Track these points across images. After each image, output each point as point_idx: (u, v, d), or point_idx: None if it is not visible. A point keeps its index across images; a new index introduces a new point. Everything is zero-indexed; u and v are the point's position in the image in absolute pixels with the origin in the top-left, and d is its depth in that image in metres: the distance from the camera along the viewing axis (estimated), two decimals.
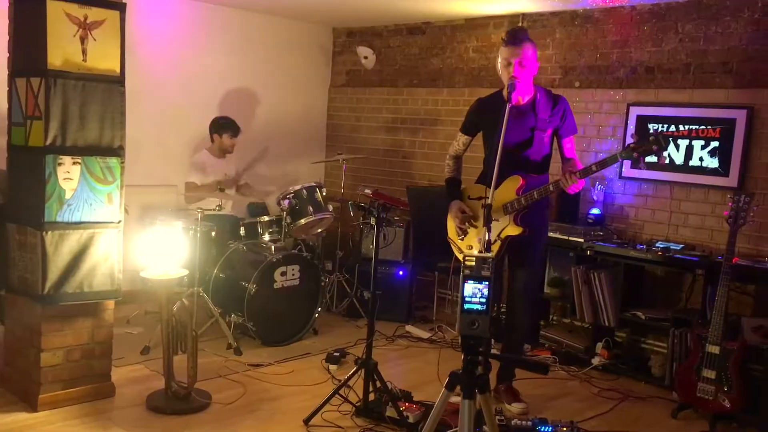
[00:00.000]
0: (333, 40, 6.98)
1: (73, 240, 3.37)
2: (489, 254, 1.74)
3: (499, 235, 3.53)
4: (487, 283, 1.65)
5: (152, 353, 4.31)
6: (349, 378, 3.59)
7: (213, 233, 4.83)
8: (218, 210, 4.89)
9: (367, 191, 3.50)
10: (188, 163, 5.39)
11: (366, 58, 6.52)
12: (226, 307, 4.69)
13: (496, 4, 5.21)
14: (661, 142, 3.04)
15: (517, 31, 3.48)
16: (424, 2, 5.30)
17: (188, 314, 3.58)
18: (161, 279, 3.47)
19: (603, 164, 3.27)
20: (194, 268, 4.49)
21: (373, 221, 3.47)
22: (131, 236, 4.07)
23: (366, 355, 3.53)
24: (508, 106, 3.35)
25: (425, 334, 5.14)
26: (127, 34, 3.45)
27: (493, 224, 3.57)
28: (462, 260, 1.83)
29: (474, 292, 1.67)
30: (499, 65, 3.56)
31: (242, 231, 4.99)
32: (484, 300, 1.66)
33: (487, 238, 3.00)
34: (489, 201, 3.29)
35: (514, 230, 3.46)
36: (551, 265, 5.01)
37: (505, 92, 3.61)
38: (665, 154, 3.13)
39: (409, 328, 5.27)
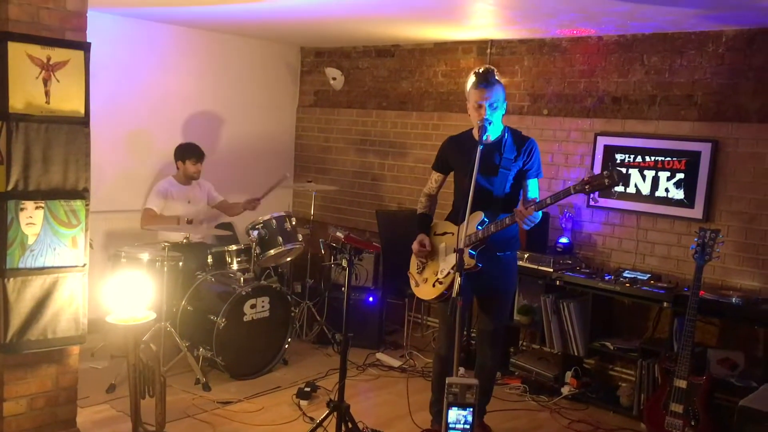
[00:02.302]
0: (301, 60, 6.93)
1: (36, 286, 3.27)
2: (473, 381, 1.72)
3: (452, 268, 3.54)
4: (470, 409, 1.64)
5: (118, 390, 4.23)
6: (322, 422, 3.55)
7: (180, 263, 4.74)
8: (185, 242, 4.80)
9: (339, 234, 3.47)
10: (151, 189, 5.28)
11: (334, 79, 6.49)
12: (194, 340, 4.62)
13: (465, 31, 5.23)
14: (615, 177, 3.04)
15: (487, 73, 3.48)
16: (393, 27, 5.29)
17: (155, 358, 3.50)
18: (127, 324, 3.39)
19: (557, 197, 3.29)
20: (161, 301, 4.41)
21: (344, 263, 3.43)
22: (94, 265, 3.96)
23: (338, 398, 3.50)
24: (479, 148, 3.36)
25: (396, 362, 5.13)
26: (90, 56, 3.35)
27: (449, 256, 3.60)
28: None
29: (458, 418, 1.66)
30: (469, 106, 3.57)
31: (210, 260, 4.92)
32: (468, 427, 1.65)
33: (459, 282, 3.02)
34: (459, 244, 3.32)
35: (469, 262, 3.47)
36: (521, 293, 5.03)
37: (475, 132, 3.62)
38: (616, 189, 3.11)
39: (379, 355, 5.25)
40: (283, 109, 6.87)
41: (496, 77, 3.54)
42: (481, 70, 3.53)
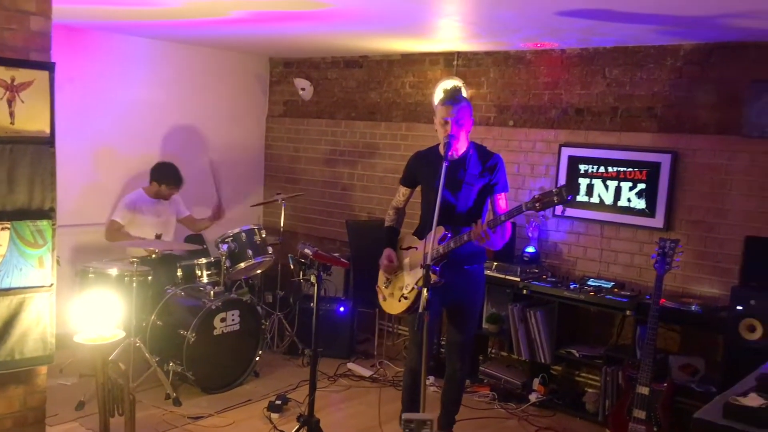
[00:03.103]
0: (270, 70, 6.95)
1: (2, 307, 3.26)
2: (428, 416, 1.77)
3: (416, 283, 3.60)
4: None
5: (87, 408, 4.21)
6: None
7: (149, 277, 4.73)
8: (154, 256, 4.78)
9: (307, 251, 3.50)
10: (119, 200, 5.26)
11: (303, 89, 6.52)
12: (164, 355, 4.61)
13: (432, 43, 5.29)
14: (563, 195, 3.12)
15: (454, 91, 3.55)
16: (361, 39, 5.34)
17: (124, 376, 3.50)
18: (95, 344, 3.39)
19: (510, 215, 3.36)
20: (130, 317, 4.40)
21: (313, 279, 3.47)
22: (62, 280, 3.93)
23: (308, 412, 3.53)
24: (445, 164, 3.42)
25: (367, 372, 5.17)
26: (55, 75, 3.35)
27: (414, 271, 3.65)
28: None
29: None
30: (436, 122, 3.63)
31: (180, 273, 4.92)
32: None
33: (426, 297, 3.09)
34: (427, 261, 3.37)
35: (430, 277, 3.52)
36: (489, 302, 5.11)
37: (441, 148, 3.68)
38: (562, 208, 3.18)
39: (350, 365, 5.29)
40: (253, 120, 6.89)
41: (462, 96, 3.62)
42: (448, 87, 3.59)
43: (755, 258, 3.88)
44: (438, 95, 3.60)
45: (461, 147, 3.66)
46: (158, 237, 4.80)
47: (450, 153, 3.55)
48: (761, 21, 3.63)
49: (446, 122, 3.54)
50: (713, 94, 4.40)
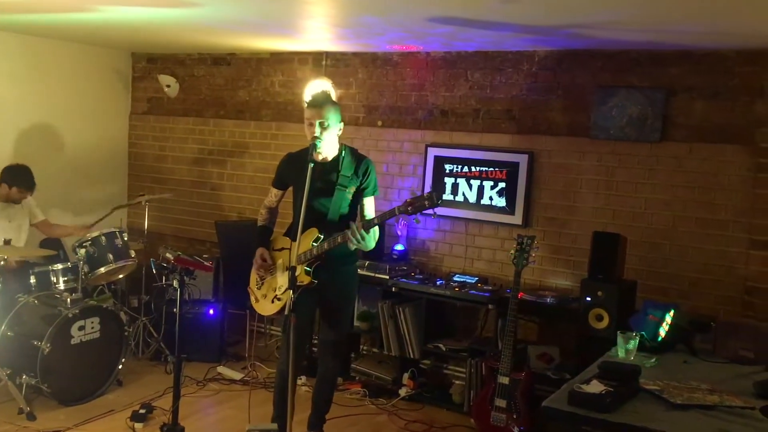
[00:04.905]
0: (132, 65, 6.67)
1: None
2: (272, 426, 1.77)
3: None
4: None
5: None
6: None
7: None
8: (4, 263, 4.47)
9: (169, 255, 3.40)
10: None
11: (168, 86, 6.31)
12: (16, 367, 4.32)
13: (300, 43, 5.28)
14: (434, 199, 3.25)
15: (319, 94, 3.58)
16: (228, 36, 5.24)
17: None
18: None
19: (382, 217, 3.46)
20: None
21: (175, 283, 3.38)
22: None
23: (172, 421, 3.43)
24: (310, 165, 3.43)
25: (237, 375, 5.10)
26: None
27: (287, 273, 3.65)
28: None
29: None
30: (304, 124, 3.64)
31: (33, 281, 4.62)
32: None
33: (292, 298, 3.11)
34: (292, 262, 3.38)
35: (304, 279, 3.55)
36: (361, 300, 5.18)
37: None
38: (434, 211, 3.32)
39: (221, 369, 5.19)
40: (115, 118, 6.59)
41: (330, 97, 3.65)
42: (315, 89, 3.61)
43: (602, 252, 4.15)
44: (307, 96, 3.61)
45: (331, 149, 3.68)
46: (7, 243, 4.49)
47: (317, 155, 3.58)
48: (605, 31, 3.90)
49: (312, 124, 3.57)
50: (564, 99, 4.69)
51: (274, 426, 1.66)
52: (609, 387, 2.52)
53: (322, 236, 3.55)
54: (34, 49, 5.77)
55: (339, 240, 3.47)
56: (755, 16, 3.30)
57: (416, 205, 3.24)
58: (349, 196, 3.67)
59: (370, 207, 3.71)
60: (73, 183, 6.08)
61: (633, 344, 3.10)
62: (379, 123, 5.42)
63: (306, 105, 3.60)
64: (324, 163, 3.66)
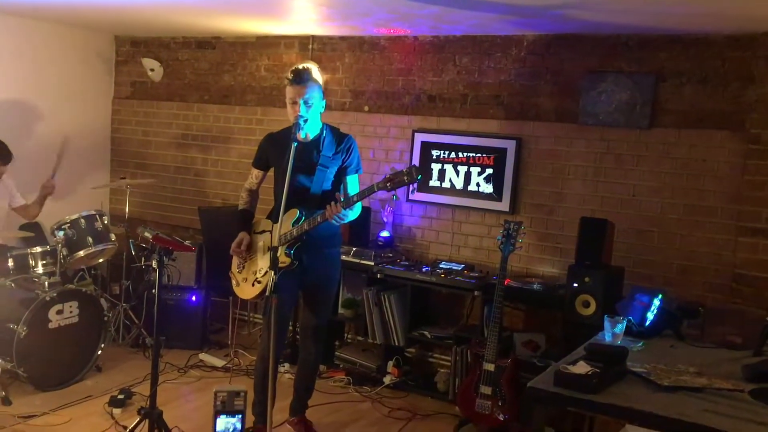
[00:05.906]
0: (116, 49, 6.55)
1: None
2: (241, 388, 1.71)
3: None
4: (240, 416, 1.63)
5: None
6: (132, 430, 3.39)
7: None
8: None
9: (147, 234, 3.32)
10: None
11: (153, 70, 6.20)
12: None
13: (286, 25, 5.19)
14: (413, 174, 3.18)
15: (302, 71, 3.49)
16: (213, 18, 5.15)
17: None
18: None
19: (362, 194, 3.38)
20: None
21: (154, 263, 3.30)
22: None
23: (150, 405, 3.35)
24: (293, 144, 3.36)
25: (220, 362, 5.02)
26: None
27: (267, 255, 3.57)
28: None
29: (227, 426, 1.64)
30: (286, 104, 3.56)
31: (11, 264, 4.52)
32: None
33: (273, 280, 3.05)
34: (273, 242, 3.30)
35: (284, 260, 3.48)
36: (345, 287, 5.11)
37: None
38: (414, 186, 3.25)
39: (202, 356, 5.11)
40: (97, 101, 6.47)
41: (313, 75, 3.56)
42: (297, 68, 3.53)
43: (589, 238, 4.10)
44: (288, 74, 3.53)
45: (313, 129, 3.61)
46: None
47: (299, 134, 3.51)
48: (593, 13, 3.84)
49: (295, 103, 3.49)
50: (552, 84, 4.63)
51: (243, 388, 1.61)
52: (596, 368, 2.47)
53: (303, 217, 3.49)
54: (14, 29, 5.65)
55: (319, 219, 3.41)
56: None
57: (395, 181, 3.18)
58: (332, 176, 3.61)
59: (353, 185, 3.65)
60: (53, 167, 5.95)
61: (620, 328, 3.05)
62: (366, 108, 5.35)
63: (288, 83, 3.51)
64: (305, 143, 3.58)
